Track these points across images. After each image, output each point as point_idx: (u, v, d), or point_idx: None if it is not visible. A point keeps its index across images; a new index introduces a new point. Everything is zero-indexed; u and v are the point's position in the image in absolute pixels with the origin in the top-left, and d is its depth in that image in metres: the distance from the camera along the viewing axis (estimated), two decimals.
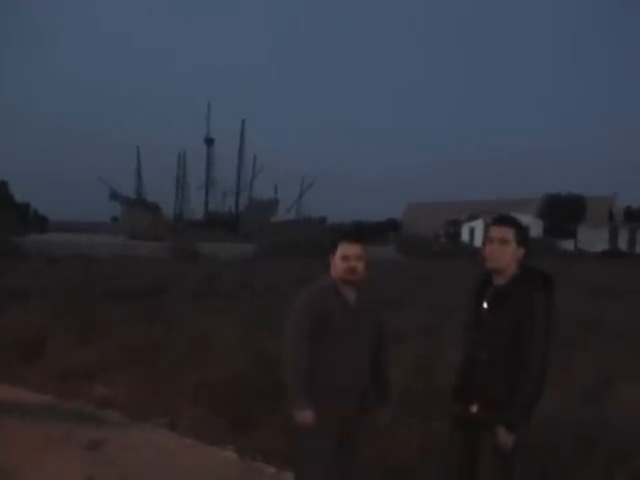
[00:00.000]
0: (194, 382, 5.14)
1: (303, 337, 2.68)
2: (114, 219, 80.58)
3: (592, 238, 55.74)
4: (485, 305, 2.64)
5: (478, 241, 50.08)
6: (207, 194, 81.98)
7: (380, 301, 3.09)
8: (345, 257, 2.72)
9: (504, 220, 2.67)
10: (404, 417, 3.85)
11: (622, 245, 55.91)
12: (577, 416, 4.23)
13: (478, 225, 56.21)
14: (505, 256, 2.58)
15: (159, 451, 4.15)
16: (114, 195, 75.38)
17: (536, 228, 62.56)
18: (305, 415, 2.65)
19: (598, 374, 5.46)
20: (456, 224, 67.95)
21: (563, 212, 62.32)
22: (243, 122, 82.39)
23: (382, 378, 2.86)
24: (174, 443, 4.33)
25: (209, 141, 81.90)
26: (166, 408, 4.88)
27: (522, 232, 2.65)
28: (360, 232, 3.09)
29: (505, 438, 2.52)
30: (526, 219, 64.61)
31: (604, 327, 8.26)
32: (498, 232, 2.61)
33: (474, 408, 2.64)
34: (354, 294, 2.77)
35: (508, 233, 2.60)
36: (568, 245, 50.43)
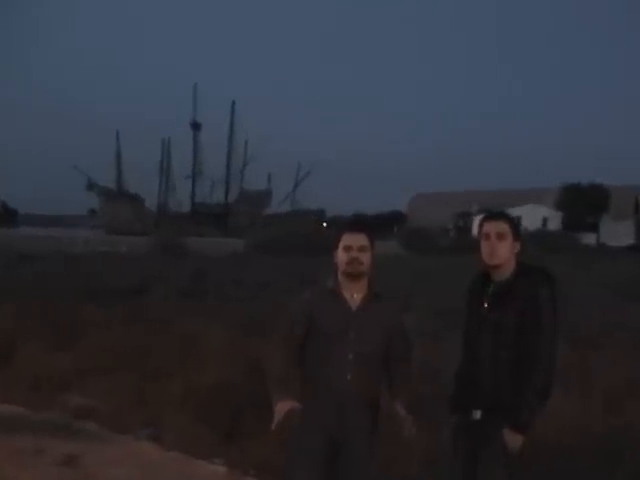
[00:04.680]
0: (180, 390, 5.13)
1: (285, 340, 2.73)
2: (92, 212, 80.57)
3: (616, 232, 55.75)
4: (486, 304, 2.70)
5: None
6: (194, 184, 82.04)
7: (399, 302, 3.04)
8: (347, 247, 2.71)
9: (498, 215, 2.82)
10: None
11: None
12: (598, 424, 4.24)
13: None
14: (504, 251, 2.68)
15: (142, 465, 4.15)
16: (91, 185, 75.31)
17: (554, 221, 62.75)
18: (282, 405, 2.58)
19: (622, 378, 5.47)
20: (466, 217, 68.01)
21: (584, 203, 62.32)
22: (233, 105, 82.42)
23: (393, 389, 2.80)
24: (158, 456, 4.33)
25: (196, 126, 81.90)
26: (149, 418, 4.88)
27: (516, 226, 2.77)
28: (363, 222, 3.08)
29: (513, 440, 2.54)
30: (543, 211, 64.98)
31: (629, 328, 8.27)
32: (494, 227, 2.72)
33: (477, 414, 2.66)
34: (360, 294, 2.73)
35: (504, 227, 2.71)
36: (589, 239, 50.48)
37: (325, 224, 54.54)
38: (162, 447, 4.47)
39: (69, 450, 4.31)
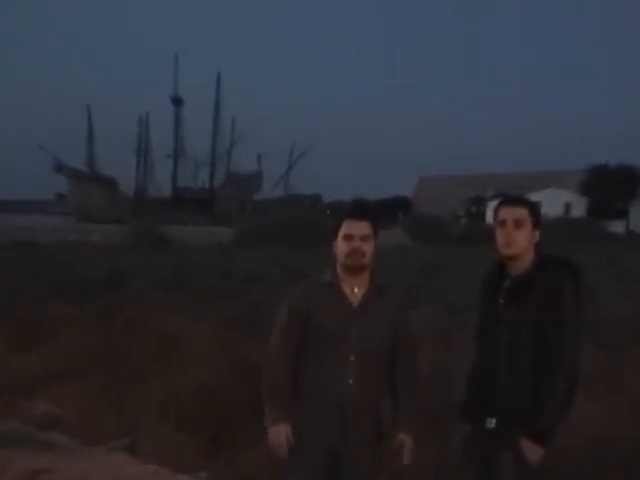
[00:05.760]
0: (159, 395, 5.14)
1: (283, 342, 2.72)
2: (59, 196, 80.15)
3: None
4: (502, 299, 2.70)
5: None
6: (175, 166, 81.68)
7: (405, 298, 3.03)
8: (348, 236, 2.69)
9: (516, 199, 2.80)
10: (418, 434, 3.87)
11: None
12: (628, 434, 4.24)
13: None
14: (522, 240, 2.66)
15: None
16: (59, 167, 74.88)
17: (578, 207, 62.80)
18: (278, 431, 2.64)
19: None
20: (479, 202, 68.03)
21: (612, 187, 62.27)
22: (218, 77, 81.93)
23: (398, 397, 2.80)
24: (135, 470, 4.31)
25: (177, 101, 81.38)
26: (125, 428, 4.86)
27: (537, 213, 2.75)
28: (366, 208, 3.05)
29: (532, 452, 2.54)
30: (565, 196, 65.04)
31: None
32: (511, 213, 2.70)
33: (491, 423, 2.66)
34: (361, 289, 2.73)
35: (522, 213, 2.69)
36: (618, 227, 50.49)
37: (329, 211, 54.56)
38: (139, 460, 4.46)
39: (34, 465, 4.29)
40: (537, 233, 2.71)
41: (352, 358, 2.65)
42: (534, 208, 2.74)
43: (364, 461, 2.70)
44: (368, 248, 2.69)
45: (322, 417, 2.66)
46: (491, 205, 61.72)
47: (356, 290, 2.72)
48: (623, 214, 59.70)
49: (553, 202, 59.33)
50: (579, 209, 61.97)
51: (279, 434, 2.66)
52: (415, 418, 2.81)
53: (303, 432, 2.67)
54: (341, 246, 2.71)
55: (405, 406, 2.78)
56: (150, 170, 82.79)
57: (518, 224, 2.67)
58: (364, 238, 2.69)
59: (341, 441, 2.66)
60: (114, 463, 4.42)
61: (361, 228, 2.70)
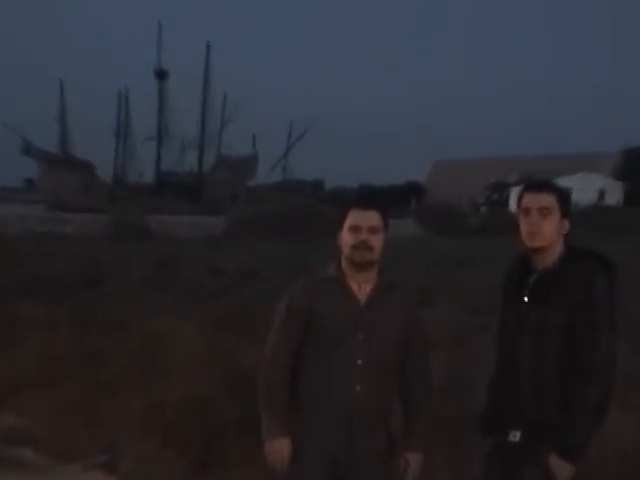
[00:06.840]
0: (142, 406, 5.14)
1: (281, 342, 2.74)
2: (28, 182, 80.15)
3: None
4: (526, 297, 2.70)
5: None
6: (159, 148, 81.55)
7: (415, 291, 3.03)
8: (355, 228, 2.70)
9: (542, 185, 2.79)
10: (430, 446, 3.87)
11: None
12: None
13: None
14: (549, 230, 2.67)
15: None
16: (27, 149, 74.78)
17: (613, 193, 62.77)
18: (278, 445, 2.66)
19: None
20: (502, 188, 67.99)
21: None
22: (208, 47, 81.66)
23: (409, 402, 2.83)
24: None
25: (161, 74, 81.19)
26: (103, 443, 4.88)
27: (566, 200, 2.75)
28: (376, 196, 3.05)
29: (562, 469, 2.54)
30: (599, 181, 65.00)
31: None
32: (536, 200, 2.70)
33: (515, 435, 2.67)
34: (368, 286, 2.74)
35: (549, 201, 2.69)
36: None
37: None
38: (119, 478, 4.47)
39: None
40: (566, 223, 2.71)
41: (360, 361, 2.67)
42: (562, 195, 2.74)
43: (373, 475, 2.72)
44: (377, 241, 2.70)
45: (325, 425, 2.68)
46: (515, 191, 61.66)
47: (363, 287, 2.73)
48: None
49: (585, 188, 59.26)
50: (614, 196, 61.93)
51: (279, 449, 2.67)
52: (427, 429, 2.84)
53: (304, 441, 2.68)
54: (347, 238, 2.71)
55: (415, 416, 2.81)
56: (131, 152, 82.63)
57: (544, 212, 2.67)
58: (372, 230, 2.70)
59: (347, 453, 2.67)
60: None
61: (369, 219, 2.71)
